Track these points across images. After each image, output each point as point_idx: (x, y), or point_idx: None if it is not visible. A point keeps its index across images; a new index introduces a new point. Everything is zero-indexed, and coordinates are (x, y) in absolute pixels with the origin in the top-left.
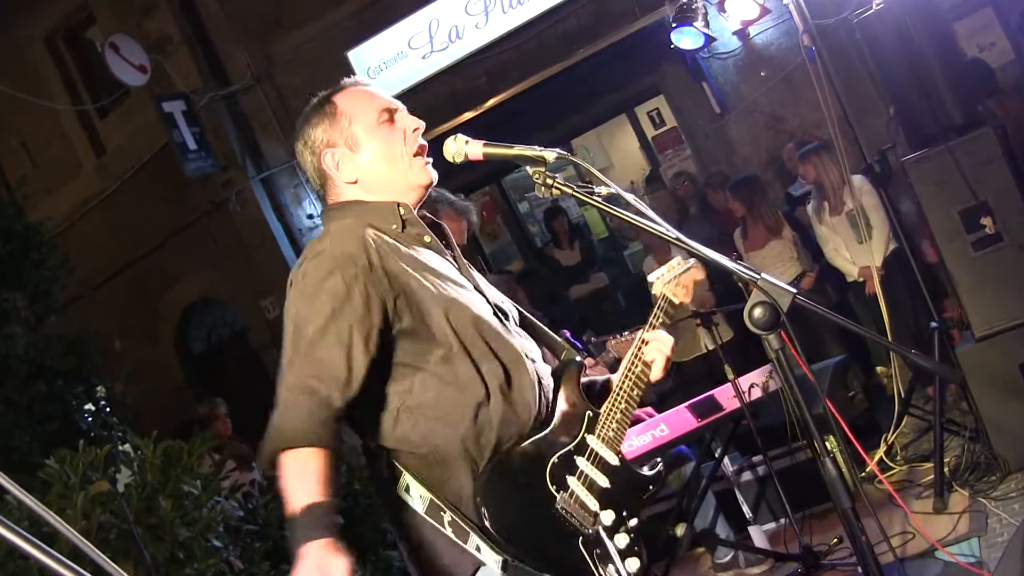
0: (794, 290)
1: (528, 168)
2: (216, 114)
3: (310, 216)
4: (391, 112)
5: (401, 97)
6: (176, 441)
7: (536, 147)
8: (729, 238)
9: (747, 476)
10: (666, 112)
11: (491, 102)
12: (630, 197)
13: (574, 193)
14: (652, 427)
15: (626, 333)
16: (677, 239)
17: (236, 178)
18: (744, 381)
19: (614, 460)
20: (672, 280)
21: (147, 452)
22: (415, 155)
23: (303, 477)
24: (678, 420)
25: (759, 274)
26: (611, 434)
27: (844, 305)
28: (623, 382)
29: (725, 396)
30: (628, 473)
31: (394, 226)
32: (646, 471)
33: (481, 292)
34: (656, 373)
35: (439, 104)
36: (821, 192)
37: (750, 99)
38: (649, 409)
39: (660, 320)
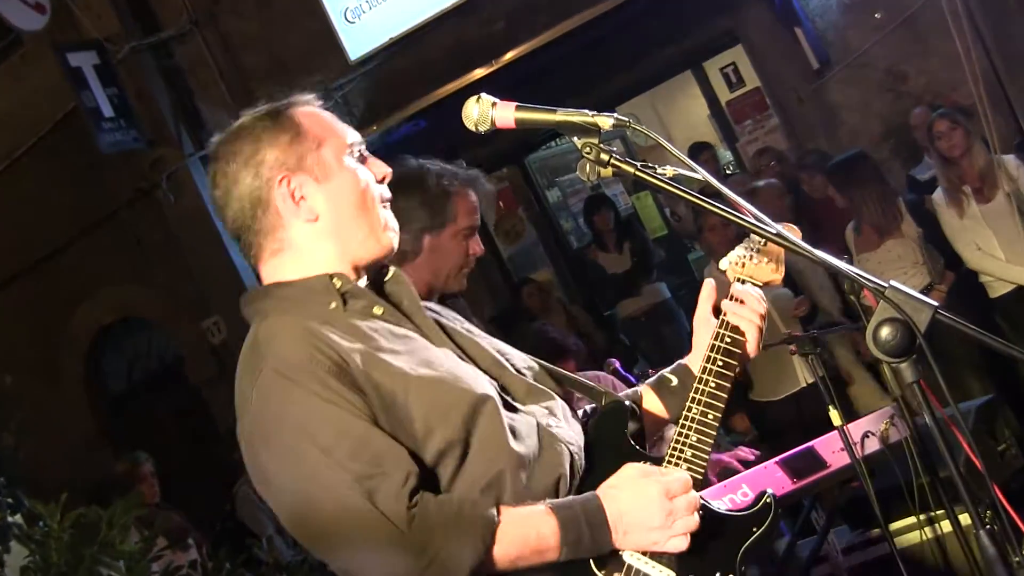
0: (935, 303)
1: (576, 139)
2: (141, 70)
3: None
4: (361, 148)
5: (393, 48)
6: (91, 508)
7: (586, 111)
8: (828, 237)
9: (860, 557)
10: (746, 68)
11: (510, 55)
12: (716, 183)
13: (645, 175)
14: (732, 490)
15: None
16: (783, 238)
17: (168, 156)
18: (855, 428)
19: None
20: (752, 256)
21: (51, 524)
22: (384, 220)
23: (520, 541)
24: (766, 481)
25: (887, 283)
26: (686, 468)
27: (987, 326)
28: (700, 388)
29: (829, 449)
30: (715, 520)
31: (332, 305)
32: (741, 511)
33: (470, 359)
34: (751, 347)
35: (442, 59)
36: (958, 175)
37: (860, 50)
38: (743, 451)
39: (729, 330)
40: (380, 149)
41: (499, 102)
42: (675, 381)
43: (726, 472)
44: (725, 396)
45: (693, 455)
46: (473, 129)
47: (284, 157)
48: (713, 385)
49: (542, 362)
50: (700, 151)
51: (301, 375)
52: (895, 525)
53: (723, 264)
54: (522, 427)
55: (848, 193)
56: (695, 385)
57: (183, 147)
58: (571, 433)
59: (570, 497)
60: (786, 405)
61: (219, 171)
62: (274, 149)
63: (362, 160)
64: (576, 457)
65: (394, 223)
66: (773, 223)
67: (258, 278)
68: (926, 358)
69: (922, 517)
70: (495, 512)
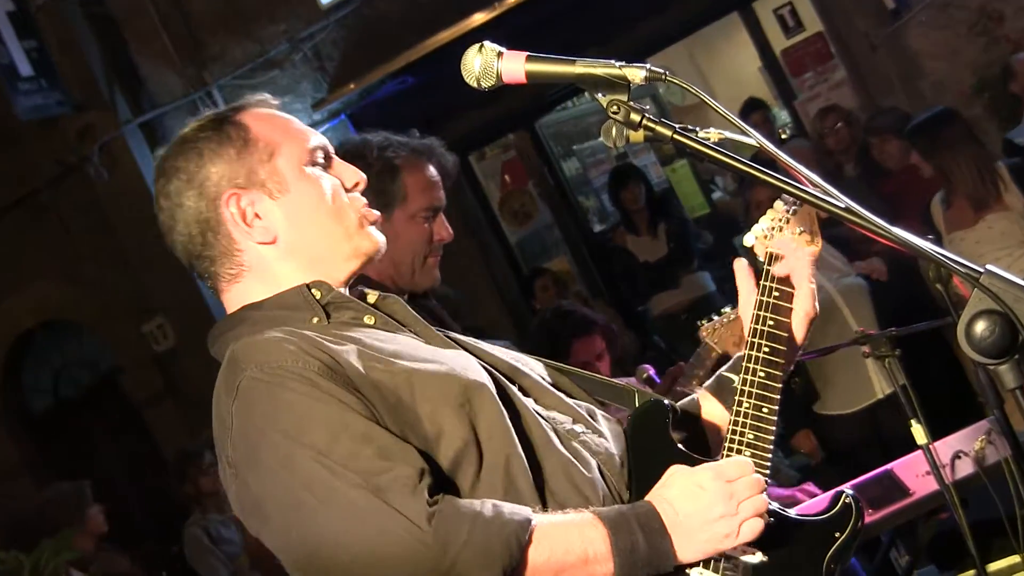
0: None
1: (600, 96)
2: (66, 19)
3: None
4: (327, 154)
5: None
6: (11, 553)
7: (612, 61)
8: (907, 215)
9: None
10: (805, 9)
11: None
12: (773, 148)
13: (685, 139)
14: None
15: (727, 313)
16: (852, 213)
17: (99, 123)
18: (943, 448)
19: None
20: (781, 227)
21: None
22: (359, 216)
23: (562, 548)
24: None
25: (982, 268)
26: None
27: None
28: (748, 378)
29: (912, 473)
30: (790, 528)
31: (314, 320)
32: (819, 516)
33: (475, 355)
34: (803, 304)
35: (433, 1)
36: None
37: None
38: (810, 487)
39: (773, 298)
40: (359, 111)
41: (506, 52)
42: (736, 379)
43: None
44: (777, 383)
45: (752, 455)
46: (474, 85)
47: (231, 172)
48: (763, 375)
49: (566, 367)
50: (751, 111)
51: (286, 377)
52: (994, 566)
53: (747, 240)
54: (535, 423)
55: (935, 159)
56: (742, 376)
57: (117, 112)
58: (602, 441)
59: (618, 505)
60: (859, 420)
61: (161, 191)
62: (219, 163)
63: (327, 165)
64: (606, 469)
65: (373, 216)
66: (843, 197)
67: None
68: None
69: None
70: (531, 513)
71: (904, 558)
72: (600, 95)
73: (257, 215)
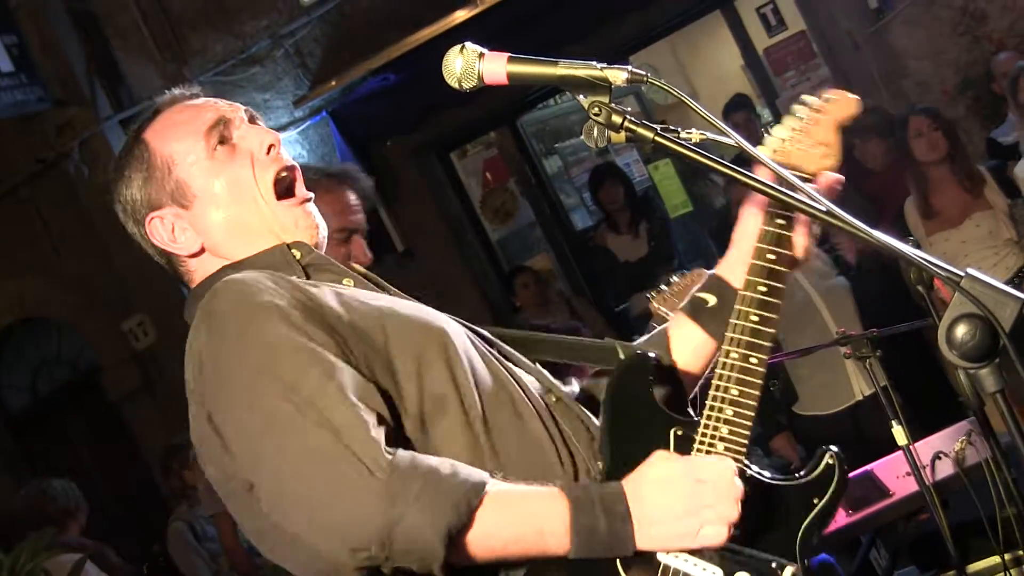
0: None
1: (582, 97)
2: (46, 14)
3: None
4: (223, 126)
5: None
6: None
7: (593, 62)
8: (889, 214)
9: None
10: (788, 8)
11: None
12: (751, 148)
13: (666, 141)
14: None
15: (674, 282)
16: (832, 215)
17: (80, 119)
18: (924, 448)
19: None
20: (794, 137)
21: None
22: (279, 189)
23: (517, 517)
24: None
25: (963, 271)
26: (721, 445)
27: None
28: (738, 319)
29: (893, 474)
30: (766, 493)
31: (292, 277)
32: (799, 476)
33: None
34: (800, 241)
35: (417, 0)
36: None
37: None
38: None
39: (777, 226)
40: (340, 108)
41: (488, 53)
42: (712, 300)
43: None
44: (770, 329)
45: (735, 413)
46: (456, 86)
47: (145, 194)
48: (756, 319)
49: (540, 334)
50: (736, 109)
51: (260, 309)
52: (974, 566)
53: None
54: (508, 383)
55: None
56: (732, 321)
57: (97, 108)
58: (569, 407)
59: (589, 483)
60: (839, 421)
61: (120, 218)
62: (134, 189)
63: (231, 143)
64: (575, 436)
65: (310, 203)
66: (823, 199)
67: None
68: (1012, 362)
69: (1008, 556)
70: (488, 477)
71: (884, 559)
72: (582, 96)
73: (175, 228)
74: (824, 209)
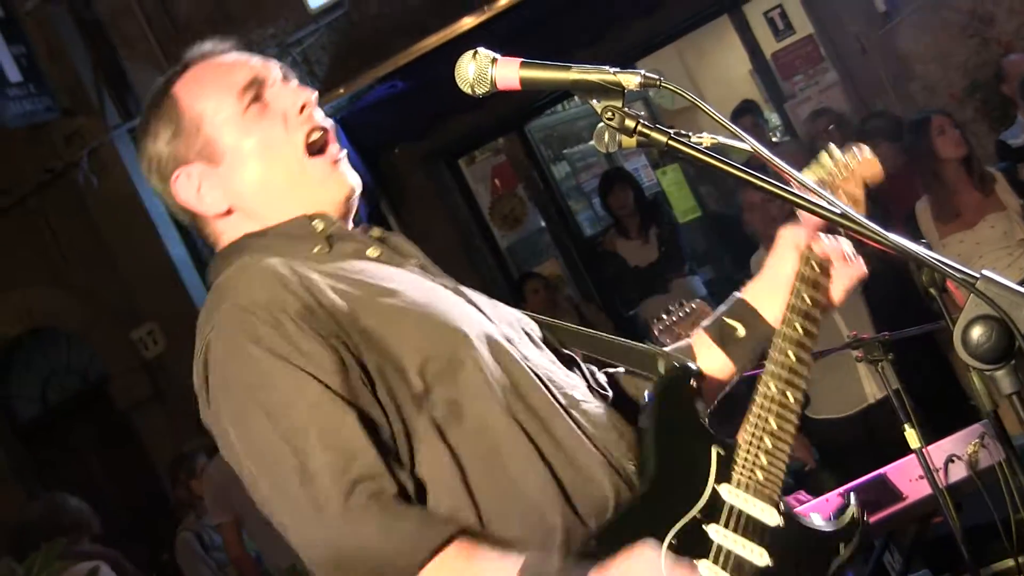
0: None
1: (595, 102)
2: (54, 24)
3: None
4: (257, 86)
5: None
6: (3, 560)
7: (606, 67)
8: (899, 217)
9: None
10: (795, 12)
11: (505, 0)
12: (763, 150)
13: (680, 145)
14: None
15: (676, 311)
16: (847, 218)
17: (88, 128)
18: (936, 452)
19: (774, 518)
20: (837, 175)
21: None
22: (311, 150)
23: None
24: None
25: (978, 273)
26: (761, 474)
27: None
28: (777, 354)
29: (906, 477)
30: (800, 533)
31: (315, 249)
32: (826, 524)
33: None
34: (838, 289)
35: (423, 5)
36: None
37: None
38: (801, 495)
39: (813, 271)
40: (348, 116)
41: (500, 58)
42: (741, 330)
43: None
44: (806, 366)
45: (774, 446)
46: (468, 91)
47: (172, 150)
48: (794, 356)
49: (575, 327)
50: (744, 114)
51: (258, 321)
52: (988, 570)
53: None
54: (534, 386)
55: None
56: (772, 354)
57: (106, 117)
58: (602, 416)
59: (546, 560)
60: (851, 424)
61: (143, 170)
62: (161, 143)
63: (260, 102)
64: (607, 440)
65: (341, 154)
66: (837, 201)
67: None
68: None
69: (1022, 560)
70: (440, 542)
71: (898, 562)
72: (594, 101)
73: (202, 186)
74: (839, 212)
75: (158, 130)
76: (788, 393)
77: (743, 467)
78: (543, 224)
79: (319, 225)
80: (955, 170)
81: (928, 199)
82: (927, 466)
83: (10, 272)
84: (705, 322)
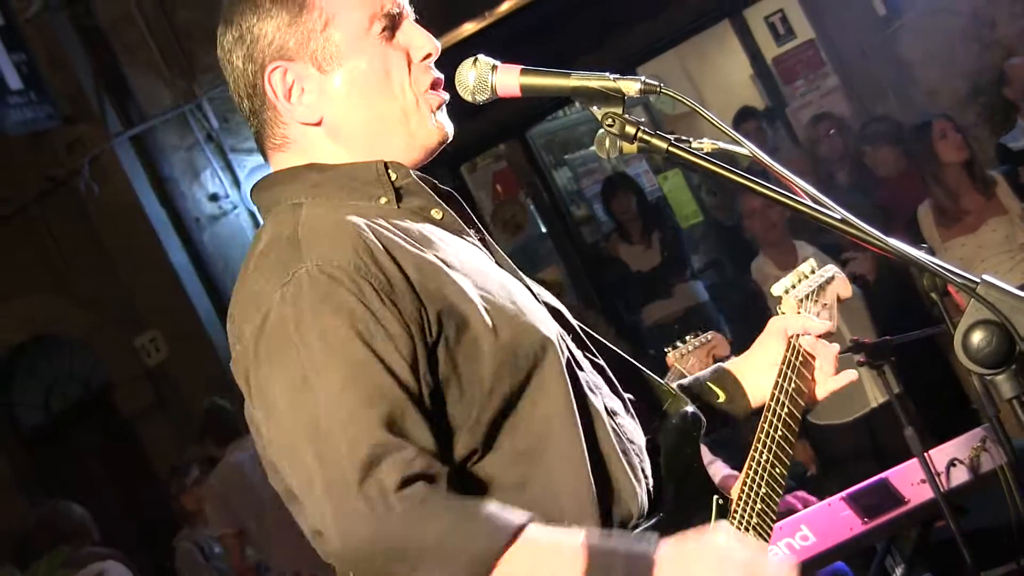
0: None
1: (595, 109)
2: (54, 31)
3: (214, 197)
4: (393, 19)
5: None
6: (6, 568)
7: (607, 74)
8: (899, 222)
9: None
10: (796, 17)
11: (505, 6)
12: (763, 156)
13: (681, 152)
14: (789, 532)
15: (692, 340)
16: (848, 224)
17: (89, 136)
18: (938, 456)
19: None
20: (809, 296)
21: None
22: (425, 94)
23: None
24: (830, 521)
25: (979, 277)
26: (752, 534)
27: None
28: (768, 427)
29: (907, 481)
30: None
31: (383, 200)
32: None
33: (534, 295)
34: (822, 384)
35: (422, 10)
36: None
37: None
38: (801, 493)
39: (799, 361)
40: None
41: (500, 65)
42: (722, 397)
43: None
44: (796, 430)
45: (764, 509)
46: (469, 99)
47: (281, 38)
48: (781, 434)
49: (605, 342)
50: (746, 119)
51: (343, 288)
52: (990, 574)
53: (776, 289)
54: (587, 393)
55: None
56: (761, 426)
57: (107, 125)
58: (635, 431)
59: (616, 540)
60: (854, 429)
61: (219, 39)
62: (270, 25)
63: (392, 32)
64: (639, 463)
65: (445, 96)
66: (838, 208)
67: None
68: None
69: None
70: (515, 527)
71: (900, 567)
72: (595, 107)
73: (304, 90)
74: (839, 218)
75: (272, 8)
76: (776, 466)
77: (740, 521)
78: (544, 230)
79: (393, 175)
80: (957, 174)
81: (930, 203)
82: (929, 470)
83: (12, 279)
84: (683, 382)
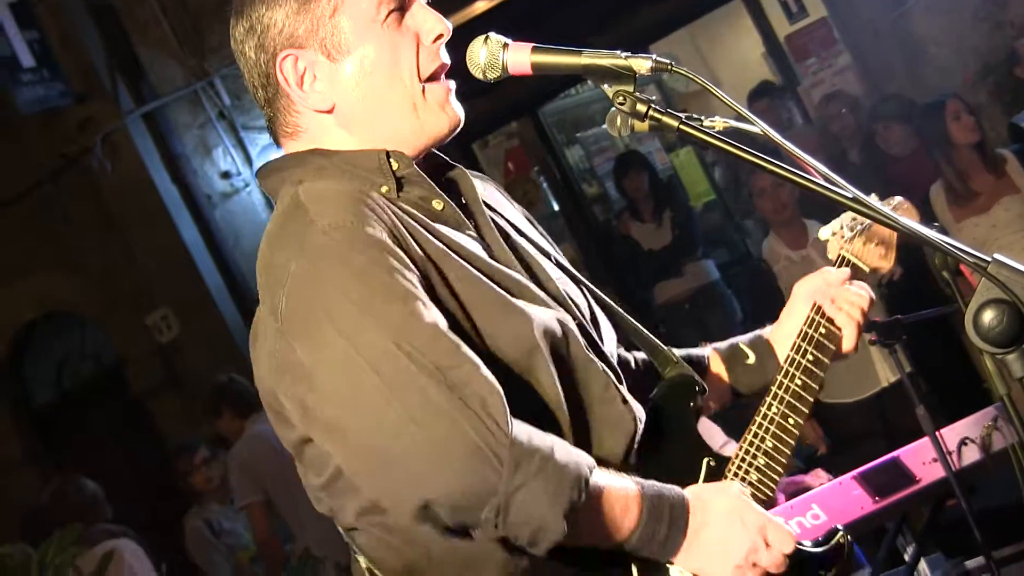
0: None
1: (607, 87)
2: (67, 9)
3: (226, 175)
4: (402, 2)
5: None
6: (17, 545)
7: (618, 52)
8: (911, 200)
9: None
10: None
11: None
12: (775, 135)
13: (691, 130)
14: (800, 511)
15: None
16: (859, 203)
17: (101, 114)
18: (950, 435)
19: None
20: (860, 232)
21: None
22: (431, 81)
23: (606, 511)
24: (841, 500)
25: (990, 257)
26: (748, 490)
27: None
28: (785, 383)
29: (919, 460)
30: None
31: (384, 189)
32: (811, 546)
33: (538, 281)
34: (848, 344)
35: None
36: None
37: None
38: (819, 472)
39: (819, 333)
40: None
41: (512, 43)
42: (752, 358)
43: (796, 490)
44: (811, 399)
45: (767, 464)
46: (480, 77)
47: (291, 26)
48: (799, 383)
49: (606, 298)
50: (762, 96)
51: (363, 241)
52: (1001, 553)
53: (823, 233)
54: (594, 378)
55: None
56: (779, 379)
57: (119, 103)
58: (639, 406)
59: (659, 484)
60: (865, 408)
61: (232, 30)
62: (280, 14)
63: (401, 15)
64: (635, 438)
65: (452, 84)
66: (850, 186)
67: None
68: None
69: None
70: (594, 463)
71: (911, 545)
72: (606, 85)
73: (315, 77)
74: (851, 196)
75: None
76: (790, 417)
77: (735, 477)
78: (557, 208)
79: (394, 164)
80: (968, 155)
81: (942, 183)
82: (940, 449)
83: (25, 257)
84: (718, 345)
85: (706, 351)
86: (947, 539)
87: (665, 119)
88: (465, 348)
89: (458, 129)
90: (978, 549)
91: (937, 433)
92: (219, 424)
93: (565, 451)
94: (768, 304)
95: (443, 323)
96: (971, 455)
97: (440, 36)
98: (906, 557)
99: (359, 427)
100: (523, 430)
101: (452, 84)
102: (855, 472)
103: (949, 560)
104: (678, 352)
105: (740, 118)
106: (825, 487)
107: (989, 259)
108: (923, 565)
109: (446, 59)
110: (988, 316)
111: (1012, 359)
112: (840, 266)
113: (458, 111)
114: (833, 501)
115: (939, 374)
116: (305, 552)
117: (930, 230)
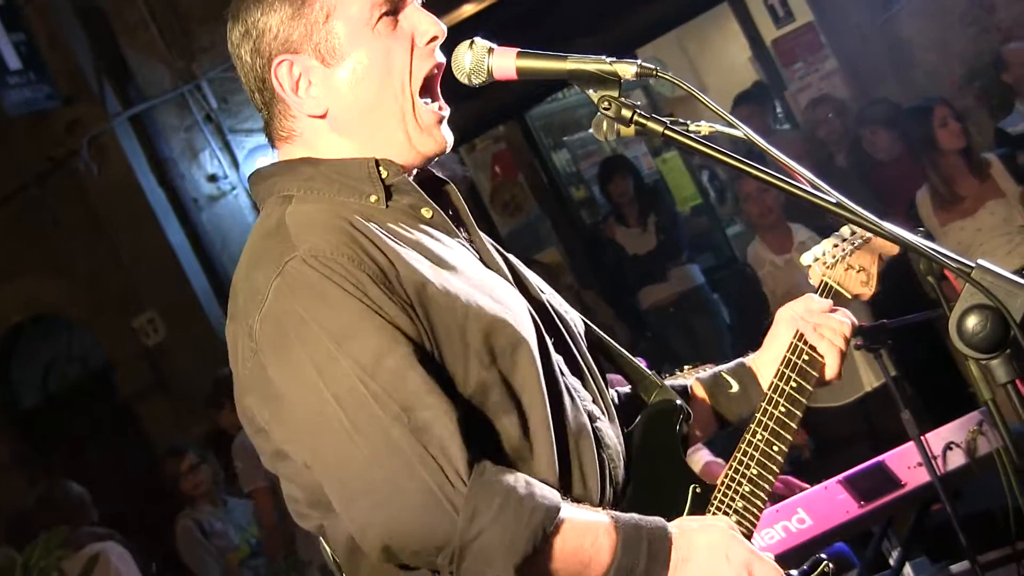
0: None
1: (592, 92)
2: (54, 12)
3: (213, 178)
4: (395, 5)
5: None
6: (2, 549)
7: (603, 57)
8: (897, 205)
9: None
10: None
11: None
12: (760, 140)
13: (676, 135)
14: (785, 515)
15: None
16: (843, 208)
17: (88, 117)
18: (935, 439)
19: None
20: (844, 259)
21: None
22: (425, 95)
23: (574, 548)
24: (827, 504)
25: (974, 262)
26: (735, 517)
27: None
28: (769, 410)
29: (904, 464)
30: None
31: (372, 198)
32: (799, 572)
33: (527, 291)
34: (830, 372)
35: None
36: None
37: None
38: (789, 479)
39: (803, 361)
40: None
41: (497, 48)
42: (735, 386)
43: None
44: (794, 425)
45: (751, 491)
46: (465, 81)
47: (286, 31)
48: (783, 410)
49: (593, 327)
50: (748, 100)
51: (339, 275)
52: (986, 557)
53: (805, 259)
54: (563, 392)
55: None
56: (763, 406)
57: (106, 105)
58: (613, 437)
59: (637, 516)
60: (850, 412)
61: (228, 35)
62: (274, 19)
63: (394, 19)
64: (612, 462)
65: (445, 110)
66: (833, 191)
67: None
68: (1023, 352)
69: (1019, 547)
70: (560, 500)
71: (896, 549)
72: (592, 91)
73: (310, 83)
74: (834, 201)
75: (276, 2)
76: (774, 445)
77: (718, 508)
78: (543, 212)
79: (383, 172)
80: (954, 160)
81: (928, 188)
82: (926, 453)
83: (11, 260)
84: (701, 375)
85: (689, 381)
86: (932, 543)
87: (650, 124)
88: (434, 386)
89: (444, 152)
90: (963, 553)
91: (922, 437)
92: (221, 416)
93: (528, 492)
94: (753, 308)
95: (415, 357)
96: (956, 459)
97: (435, 38)
98: (891, 561)
99: (326, 459)
100: (486, 473)
101: (446, 112)
102: (841, 476)
103: (934, 564)
104: (670, 382)
105: (726, 123)
106: (810, 492)
107: (973, 264)
108: (908, 569)
109: (441, 59)
110: (972, 322)
111: (996, 364)
112: (822, 292)
113: (447, 137)
114: (819, 505)
115: (924, 378)
116: (292, 553)
117: (915, 235)
